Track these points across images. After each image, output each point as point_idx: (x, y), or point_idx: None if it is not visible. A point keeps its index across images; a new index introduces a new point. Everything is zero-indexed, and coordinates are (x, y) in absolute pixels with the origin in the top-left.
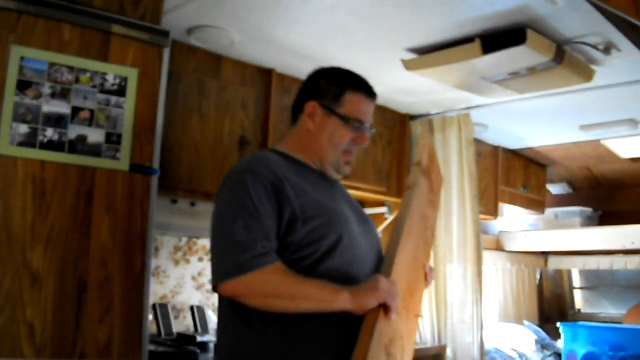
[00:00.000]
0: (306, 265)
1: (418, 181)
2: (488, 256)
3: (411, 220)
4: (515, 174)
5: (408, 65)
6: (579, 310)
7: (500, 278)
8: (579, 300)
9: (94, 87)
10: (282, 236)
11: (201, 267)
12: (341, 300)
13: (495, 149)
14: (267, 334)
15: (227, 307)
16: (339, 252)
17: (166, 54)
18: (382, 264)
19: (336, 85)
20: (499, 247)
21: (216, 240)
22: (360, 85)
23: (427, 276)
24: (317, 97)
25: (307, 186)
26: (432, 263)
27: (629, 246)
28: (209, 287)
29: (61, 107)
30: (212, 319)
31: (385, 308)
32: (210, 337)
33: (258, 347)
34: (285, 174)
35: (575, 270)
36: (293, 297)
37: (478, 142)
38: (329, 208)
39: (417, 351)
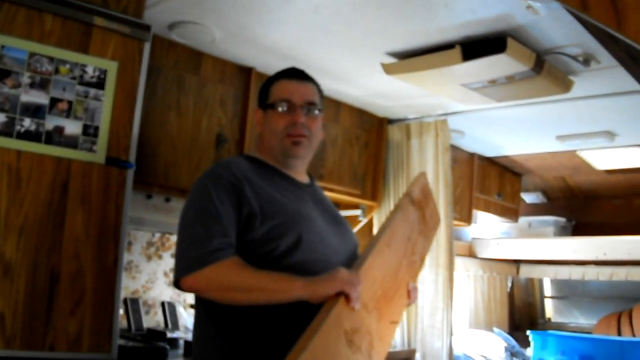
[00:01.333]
0: (266, 262)
1: (404, 207)
2: (460, 262)
3: (390, 235)
4: (490, 182)
5: (388, 69)
6: (549, 319)
7: (471, 284)
8: (550, 309)
9: (73, 78)
10: (241, 233)
11: (173, 263)
12: (295, 289)
13: (471, 155)
14: (230, 330)
15: (198, 304)
16: (300, 251)
17: (146, 48)
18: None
19: (264, 86)
20: (471, 254)
21: (178, 240)
22: (281, 74)
23: (409, 294)
24: (258, 105)
25: (269, 188)
26: None
27: (602, 257)
28: None
29: (39, 97)
30: (183, 315)
31: (346, 297)
32: (180, 334)
33: (222, 344)
34: (247, 176)
35: (547, 279)
36: (249, 289)
37: (454, 149)
38: (290, 208)
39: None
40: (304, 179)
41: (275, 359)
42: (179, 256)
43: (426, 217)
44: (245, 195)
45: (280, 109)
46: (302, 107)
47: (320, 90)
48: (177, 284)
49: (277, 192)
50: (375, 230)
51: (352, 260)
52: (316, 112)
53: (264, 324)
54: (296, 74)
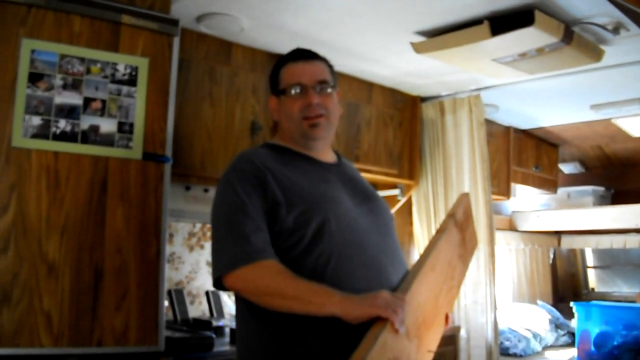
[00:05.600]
0: (299, 252)
1: (449, 229)
2: (501, 236)
3: (435, 259)
4: (527, 154)
5: (417, 48)
6: (593, 289)
7: (513, 258)
8: (593, 279)
9: (105, 77)
10: (270, 225)
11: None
12: (330, 304)
13: (507, 129)
14: (270, 322)
15: (238, 298)
16: (328, 235)
17: (176, 42)
18: (392, 242)
19: (273, 72)
20: (512, 227)
21: (213, 239)
22: (286, 58)
23: (447, 319)
24: (271, 91)
25: (292, 174)
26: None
27: None
28: None
29: (73, 98)
30: (227, 303)
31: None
32: (226, 322)
33: (263, 334)
34: (268, 165)
35: (589, 249)
36: (284, 296)
37: (489, 123)
38: (315, 192)
39: None
40: (329, 158)
41: (319, 353)
42: (216, 255)
43: (466, 240)
44: (269, 186)
45: (292, 93)
46: (314, 87)
47: (330, 66)
48: (216, 283)
49: (301, 178)
50: (414, 210)
51: (384, 239)
52: (329, 89)
53: (305, 318)
54: (303, 55)
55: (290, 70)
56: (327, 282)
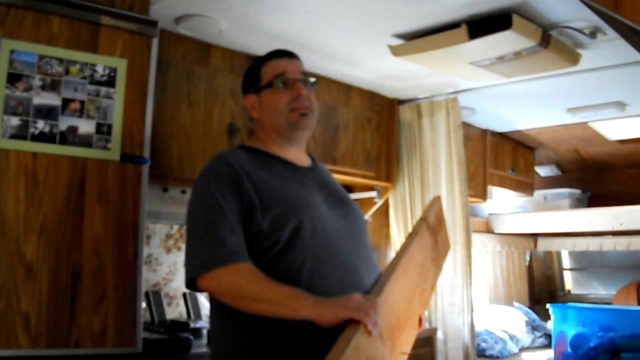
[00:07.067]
0: (274, 256)
1: (421, 232)
2: (478, 238)
3: (407, 262)
4: (503, 157)
5: (395, 51)
6: (569, 291)
7: (490, 260)
8: (569, 281)
9: (84, 78)
10: (245, 227)
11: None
12: (303, 308)
13: (484, 132)
14: (244, 323)
15: (212, 300)
16: (303, 238)
17: (154, 43)
18: (365, 245)
19: (253, 70)
20: (488, 230)
21: (188, 240)
22: (269, 55)
23: (420, 321)
24: (248, 90)
25: (268, 177)
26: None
27: (618, 227)
28: None
29: (51, 99)
30: (205, 305)
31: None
32: (203, 323)
33: (237, 336)
34: (244, 168)
35: (565, 252)
36: (257, 299)
37: (466, 126)
38: (290, 196)
39: None
40: (304, 162)
41: (292, 355)
42: (190, 256)
43: (438, 244)
44: (245, 188)
45: (279, 86)
46: (300, 80)
47: None
48: (190, 284)
49: (276, 181)
50: (391, 212)
51: (358, 243)
52: (311, 82)
53: (280, 321)
54: (284, 53)
55: (273, 66)
56: (301, 285)
